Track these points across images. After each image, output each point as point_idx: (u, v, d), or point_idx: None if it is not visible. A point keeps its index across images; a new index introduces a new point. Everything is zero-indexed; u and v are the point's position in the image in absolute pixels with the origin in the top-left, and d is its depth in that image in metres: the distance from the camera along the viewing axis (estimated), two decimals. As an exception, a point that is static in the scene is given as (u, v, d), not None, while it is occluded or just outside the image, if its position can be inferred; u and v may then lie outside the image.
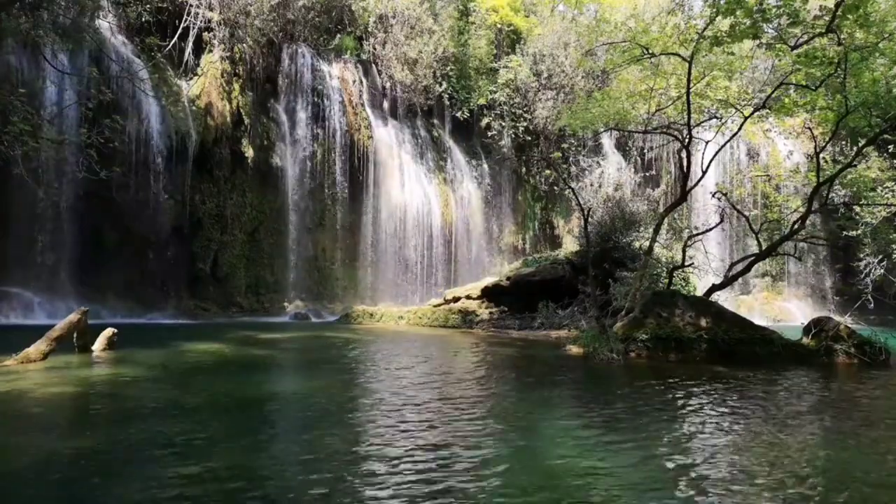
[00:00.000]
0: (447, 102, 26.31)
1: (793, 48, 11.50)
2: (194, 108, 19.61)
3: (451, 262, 25.03)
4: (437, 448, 4.50)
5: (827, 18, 10.66)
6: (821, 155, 13.43)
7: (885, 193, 18.13)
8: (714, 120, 14.54)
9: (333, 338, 13.29)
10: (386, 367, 9.26)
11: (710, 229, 15.04)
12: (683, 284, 16.90)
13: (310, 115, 22.65)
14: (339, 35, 24.63)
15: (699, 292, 14.58)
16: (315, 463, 4.14)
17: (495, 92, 26.63)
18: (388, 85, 25.01)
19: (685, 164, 14.05)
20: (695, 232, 15.86)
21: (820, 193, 12.90)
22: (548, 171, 27.00)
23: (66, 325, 8.62)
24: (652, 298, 11.51)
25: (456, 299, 18.95)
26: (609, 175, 24.49)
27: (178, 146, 18.73)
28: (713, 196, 15.67)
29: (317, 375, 8.36)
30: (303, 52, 22.96)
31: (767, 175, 26.63)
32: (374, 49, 24.67)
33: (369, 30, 24.75)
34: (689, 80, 12.26)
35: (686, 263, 14.13)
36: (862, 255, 22.67)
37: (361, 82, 24.37)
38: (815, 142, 14.94)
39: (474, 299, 18.58)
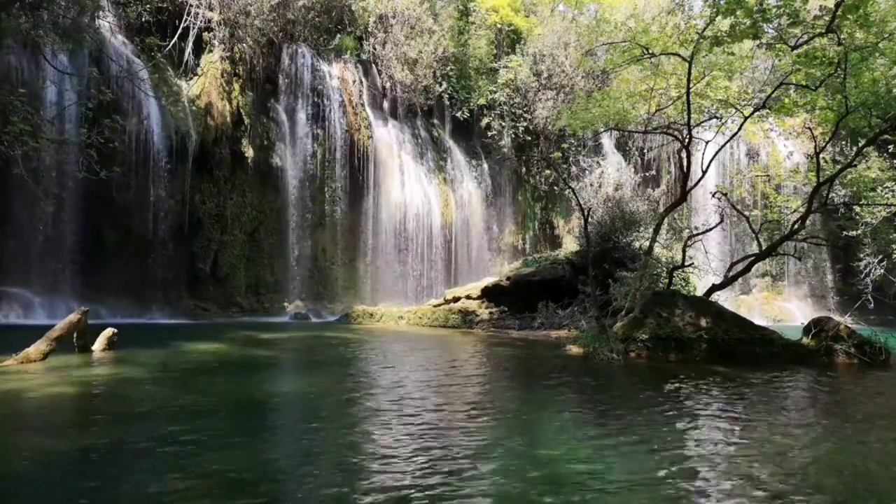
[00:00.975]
0: (447, 102, 26.31)
1: (793, 48, 11.50)
2: (194, 108, 19.61)
3: (451, 262, 25.03)
4: (437, 448, 4.50)
5: (827, 18, 10.66)
6: (821, 155, 13.43)
7: (885, 193, 18.13)
8: (714, 120, 14.53)
9: (333, 338, 13.29)
10: (386, 367, 9.26)
11: (710, 229, 15.02)
12: (683, 284, 16.91)
13: (310, 115, 22.65)
14: (339, 35, 24.62)
15: (699, 292, 14.57)
16: (315, 463, 4.14)
17: (495, 92, 26.63)
18: (388, 85, 25.01)
19: (685, 164, 14.04)
20: (695, 232, 15.85)
21: (820, 193, 12.90)
22: (548, 171, 27.00)
23: (66, 325, 8.62)
24: (652, 298, 11.50)
25: (456, 299, 18.95)
26: (609, 175, 24.43)
27: (178, 146, 18.73)
28: (713, 196, 15.68)
29: (317, 375, 8.36)
30: (303, 52, 22.95)
31: (767, 175, 26.64)
32: (374, 49, 24.67)
33: (369, 30, 24.75)
34: (689, 80, 12.26)
35: (686, 263, 14.13)
36: (862, 255, 22.67)
37: (361, 82, 24.37)
38: (815, 142, 14.94)
39: (474, 299, 18.58)
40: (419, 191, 24.55)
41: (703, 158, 13.72)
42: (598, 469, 4.12)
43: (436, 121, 26.91)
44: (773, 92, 12.97)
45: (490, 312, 17.64)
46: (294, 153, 22.25)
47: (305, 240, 22.24)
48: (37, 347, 8.09)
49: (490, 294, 18.49)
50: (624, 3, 25.18)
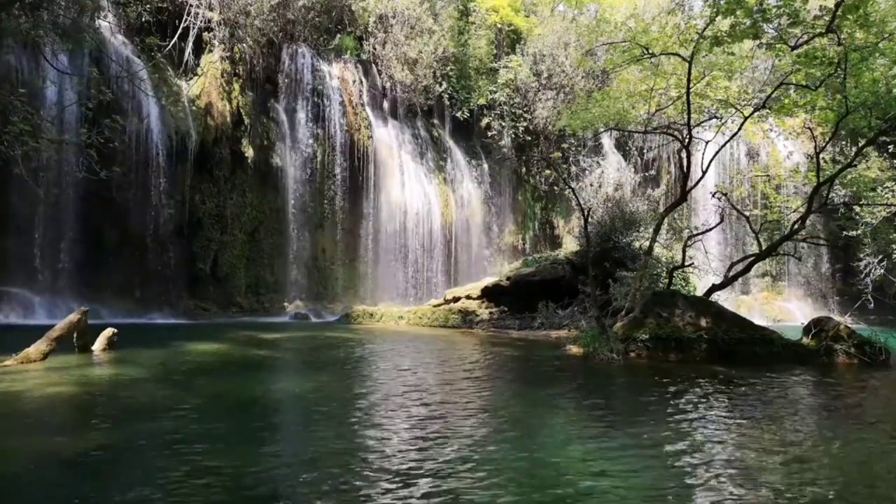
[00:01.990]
0: (447, 102, 26.30)
1: (793, 48, 11.50)
2: (194, 108, 19.61)
3: (451, 262, 25.02)
4: (437, 448, 4.50)
5: (827, 18, 10.66)
6: (821, 155, 13.43)
7: (885, 193, 18.13)
8: (714, 120, 14.53)
9: (333, 338, 13.29)
10: (386, 367, 9.26)
11: (710, 229, 15.03)
12: (683, 284, 16.91)
13: (310, 115, 22.65)
14: (339, 35, 24.62)
15: (699, 292, 14.57)
16: (316, 462, 4.14)
17: (495, 92, 26.63)
18: (388, 85, 25.01)
19: (685, 164, 14.04)
20: (695, 232, 15.85)
21: (820, 193, 12.89)
22: (548, 171, 27.00)
23: (66, 325, 8.62)
24: (652, 298, 11.50)
25: (456, 299, 18.95)
26: (609, 175, 24.47)
27: (178, 146, 18.73)
28: (713, 196, 15.68)
29: (317, 375, 8.36)
30: (303, 52, 22.95)
31: (767, 175, 26.64)
32: (374, 49, 24.67)
33: (369, 30, 24.74)
34: (689, 80, 12.26)
35: (686, 263, 14.13)
36: (862, 255, 22.67)
37: (361, 82, 24.37)
38: (815, 142, 14.93)
39: (474, 299, 18.58)
40: (419, 191, 24.55)
41: (703, 158, 13.72)
42: (598, 470, 4.11)
43: (436, 121, 26.91)
44: (773, 92, 12.97)
45: (490, 312, 17.64)
46: (294, 153, 22.25)
47: (305, 240, 22.24)
48: (37, 347, 8.09)
49: (490, 294, 18.49)
50: (624, 3, 25.17)
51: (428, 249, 24.30)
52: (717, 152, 14.34)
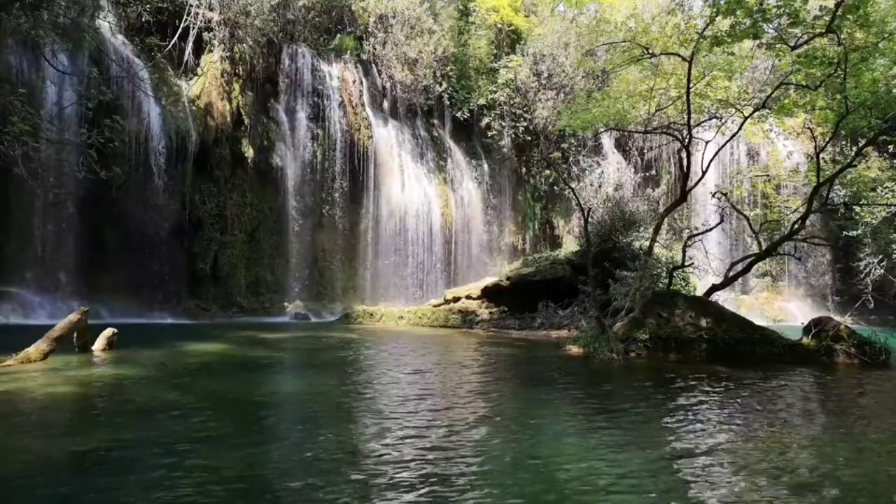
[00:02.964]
0: (447, 102, 26.30)
1: (793, 48, 11.50)
2: (194, 108, 19.61)
3: (451, 262, 25.03)
4: (437, 447, 4.50)
5: (827, 18, 10.65)
6: (821, 155, 13.43)
7: (885, 193, 18.14)
8: (714, 120, 14.54)
9: (333, 338, 13.29)
10: (386, 367, 9.26)
11: (710, 229, 15.02)
12: (683, 284, 16.89)
13: (310, 115, 22.66)
14: (339, 35, 24.63)
15: (699, 292, 14.57)
16: (316, 463, 4.14)
17: (495, 92, 26.63)
18: (388, 85, 25.01)
19: (685, 164, 14.04)
20: (695, 232, 15.85)
21: (820, 193, 12.90)
22: (548, 171, 26.99)
23: (66, 325, 8.62)
24: (652, 298, 11.51)
25: (456, 299, 18.96)
26: (609, 175, 24.45)
27: (178, 146, 18.73)
28: (713, 196, 15.67)
29: (317, 376, 8.35)
30: (303, 52, 22.96)
31: (767, 175, 26.65)
32: (374, 49, 24.67)
33: (369, 30, 24.74)
34: (689, 80, 12.26)
35: (686, 263, 14.12)
36: (862, 255, 22.68)
37: (361, 82, 24.37)
38: (815, 142, 14.94)
39: (474, 299, 18.59)
40: (419, 191, 24.56)
41: (703, 158, 13.72)
42: (598, 470, 4.11)
43: (436, 121, 26.91)
44: (773, 92, 12.97)
45: (490, 312, 17.64)
46: (294, 153, 22.25)
47: (305, 240, 22.25)
48: (37, 347, 8.09)
49: (490, 294, 18.49)
50: (624, 3, 25.16)
51: (428, 249, 24.30)
52: (717, 152, 14.34)
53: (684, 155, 13.79)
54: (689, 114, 12.77)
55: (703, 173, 13.88)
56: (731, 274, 13.26)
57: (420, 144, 25.66)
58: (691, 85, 12.42)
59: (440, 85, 25.53)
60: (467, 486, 3.68)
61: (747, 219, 14.80)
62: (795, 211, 17.34)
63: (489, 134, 26.96)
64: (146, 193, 18.06)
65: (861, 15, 10.40)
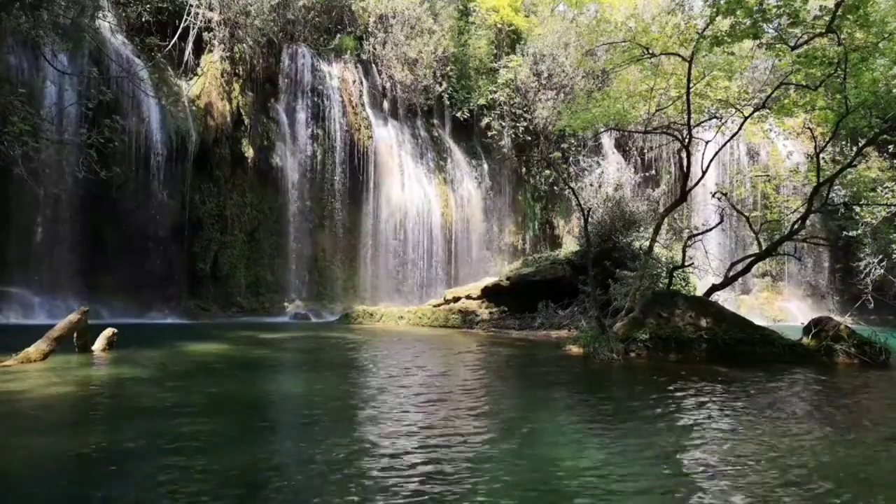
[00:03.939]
0: (447, 102, 26.30)
1: (793, 48, 11.50)
2: (194, 108, 19.61)
3: (451, 262, 25.02)
4: (437, 447, 4.50)
5: (827, 18, 10.65)
6: (821, 155, 13.42)
7: (885, 193, 18.14)
8: (714, 120, 14.53)
9: (333, 338, 13.29)
10: (386, 367, 9.26)
11: (710, 229, 15.02)
12: (683, 284, 16.89)
13: (310, 115, 22.66)
14: (339, 35, 24.63)
15: (699, 292, 14.57)
16: (316, 462, 4.14)
17: (495, 92, 26.62)
18: (388, 85, 25.01)
19: (685, 164, 14.04)
20: (695, 232, 15.85)
21: (820, 193, 12.89)
22: (548, 171, 26.98)
23: (66, 325, 8.62)
24: (652, 298, 11.50)
25: (456, 299, 18.96)
26: (609, 175, 24.44)
27: (178, 146, 18.73)
28: (713, 196, 15.67)
29: (317, 376, 8.36)
30: (303, 52, 22.96)
31: (767, 175, 26.64)
32: (374, 49, 24.67)
33: (369, 30, 24.74)
34: (689, 80, 12.26)
35: (686, 263, 14.12)
36: (862, 255, 22.68)
37: (361, 82, 24.37)
38: (815, 142, 14.94)
39: (474, 299, 18.59)
40: (419, 191, 24.56)
41: (703, 158, 13.72)
42: (598, 471, 4.11)
43: (436, 121, 26.91)
44: (773, 92, 12.97)
45: (490, 312, 17.64)
46: (294, 153, 22.25)
47: (305, 240, 22.24)
48: (37, 347, 8.09)
49: (490, 294, 18.49)
50: (624, 3, 25.16)
51: (428, 249, 24.30)
52: (717, 152, 14.33)
53: (684, 155, 13.79)
54: (689, 114, 12.76)
55: (703, 173, 13.88)
56: (731, 274, 13.26)
57: (420, 144, 25.66)
58: (691, 85, 12.42)
59: (440, 85, 25.53)
60: (467, 486, 3.68)
61: (747, 219, 14.79)
62: (795, 211, 17.33)
63: (489, 134, 26.96)
64: (146, 193, 18.07)
65: (861, 15, 10.39)
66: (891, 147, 19.98)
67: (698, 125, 13.93)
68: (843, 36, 10.82)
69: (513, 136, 26.94)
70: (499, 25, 27.67)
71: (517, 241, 27.90)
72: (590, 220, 14.13)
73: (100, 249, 17.48)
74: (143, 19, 19.15)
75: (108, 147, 13.55)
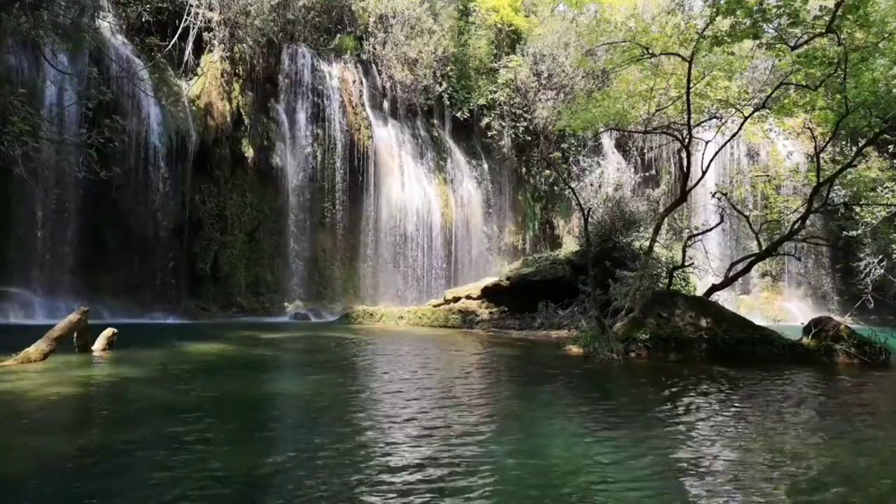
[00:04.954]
0: (447, 102, 26.30)
1: (793, 48, 11.50)
2: (194, 108, 19.61)
3: (451, 262, 25.02)
4: (437, 447, 4.50)
5: (827, 18, 10.65)
6: (821, 155, 13.42)
7: (885, 193, 18.13)
8: (714, 120, 14.53)
9: (334, 338, 13.29)
10: (386, 367, 9.26)
11: (710, 229, 15.02)
12: (683, 284, 16.89)
13: (310, 115, 22.65)
14: (339, 35, 24.63)
15: (699, 292, 14.57)
16: (317, 463, 4.14)
17: (495, 92, 26.63)
18: (388, 85, 25.01)
19: (685, 164, 14.04)
20: (695, 232, 15.84)
21: (820, 193, 12.90)
22: (548, 171, 26.99)
23: (66, 325, 8.62)
24: (652, 298, 11.51)
25: (456, 299, 18.95)
26: (609, 175, 24.44)
27: (178, 146, 18.72)
28: (713, 196, 15.67)
29: (317, 376, 8.35)
30: (303, 52, 22.95)
31: (767, 175, 26.64)
32: (374, 49, 24.67)
33: (369, 30, 24.74)
34: (689, 80, 12.25)
35: (686, 263, 14.13)
36: (862, 255, 22.67)
37: (361, 82, 24.37)
38: (815, 142, 14.94)
39: (474, 299, 18.59)
40: (419, 191, 24.55)
41: (703, 158, 13.72)
42: (598, 471, 4.11)
43: (436, 121, 26.91)
44: (773, 92, 12.96)
45: (490, 312, 17.64)
46: (294, 153, 22.25)
47: (305, 240, 22.24)
48: (37, 347, 8.09)
49: (490, 294, 18.49)
50: (624, 3, 25.16)
51: (428, 249, 24.30)
52: (717, 152, 14.33)
53: (684, 155, 13.79)
54: (689, 114, 12.76)
55: (703, 173, 13.87)
56: (731, 274, 13.26)
57: (420, 144, 25.66)
58: (691, 85, 12.42)
59: (440, 85, 25.53)
60: (467, 486, 3.68)
61: (747, 219, 14.79)
62: (795, 211, 17.32)
63: (489, 134, 26.96)
64: (146, 193, 18.07)
65: (861, 15, 10.39)
66: (891, 147, 19.97)
67: (698, 125, 13.93)
68: (843, 36, 10.82)
69: (513, 136, 26.95)
70: (499, 25, 27.68)
71: (517, 241, 27.90)
72: (590, 220, 14.13)
73: (100, 249, 17.49)
74: (143, 19, 19.15)
75: (108, 147, 13.56)
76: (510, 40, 28.10)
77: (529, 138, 27.30)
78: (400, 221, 23.88)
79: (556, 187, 26.65)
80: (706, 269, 15.62)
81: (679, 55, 12.89)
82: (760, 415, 5.98)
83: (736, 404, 6.51)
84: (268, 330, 14.76)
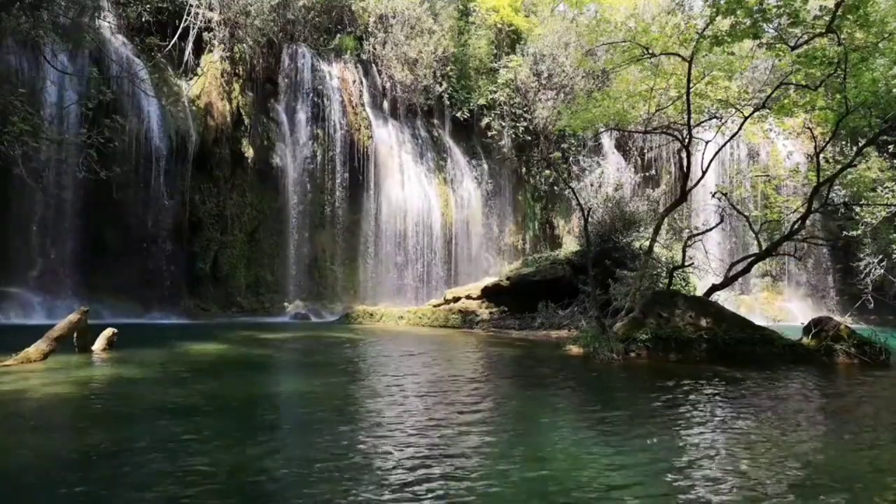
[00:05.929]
0: (447, 102, 26.30)
1: (793, 48, 11.50)
2: (194, 108, 19.61)
3: (451, 262, 25.03)
4: (437, 447, 4.50)
5: (827, 18, 10.65)
6: (821, 155, 13.43)
7: (885, 193, 18.14)
8: (714, 120, 14.53)
9: (334, 338, 13.29)
10: (386, 367, 9.26)
11: (710, 229, 15.02)
12: (683, 284, 16.90)
13: (310, 115, 22.65)
14: (339, 35, 24.63)
15: (699, 292, 14.57)
16: (316, 462, 4.14)
17: (495, 92, 26.63)
18: (388, 85, 25.01)
19: (685, 164, 14.04)
20: (695, 232, 15.85)
21: (820, 193, 12.90)
22: (548, 171, 27.00)
23: (66, 325, 8.62)
24: (652, 298, 11.51)
25: (456, 299, 18.95)
26: (609, 175, 24.47)
27: (178, 146, 18.73)
28: (713, 196, 15.68)
29: (317, 376, 8.35)
30: (303, 52, 22.96)
31: (767, 175, 26.63)
32: (374, 49, 24.67)
33: (369, 30, 24.75)
34: (689, 80, 12.25)
35: (686, 263, 14.13)
36: (862, 255, 22.68)
37: (361, 82, 24.38)
38: (815, 142, 14.94)
39: (474, 299, 18.59)
40: (419, 191, 24.56)
41: (703, 158, 13.72)
42: (597, 471, 4.11)
43: (436, 121, 26.91)
44: (773, 92, 12.97)
45: (490, 312, 17.64)
46: (294, 153, 22.25)
47: (305, 240, 22.25)
48: (37, 347, 8.09)
49: (490, 294, 18.49)
50: (624, 3, 25.17)
51: (428, 249, 24.30)
52: (717, 152, 14.33)
53: (684, 155, 13.79)
54: (689, 114, 12.76)
55: (703, 173, 13.88)
56: (731, 274, 13.26)
57: (420, 144, 25.66)
58: (691, 85, 12.42)
59: (440, 85, 25.53)
60: (467, 486, 3.68)
61: (747, 219, 14.80)
62: (795, 211, 17.32)
63: (489, 134, 26.96)
64: (146, 193, 18.07)
65: (861, 15, 10.39)
66: (891, 147, 19.99)
67: (698, 125, 13.93)
68: (843, 36, 10.82)
69: (513, 136, 26.94)
70: (499, 25, 27.68)
71: (517, 241, 27.90)
72: (590, 220, 14.13)
73: (100, 249, 17.49)
74: (143, 19, 19.15)
75: (108, 147, 13.58)
76: (510, 40, 28.11)
77: (529, 138, 27.30)
78: (400, 221, 23.88)
79: (556, 187, 26.67)
80: (706, 269, 15.62)
81: (679, 55, 12.90)
82: (761, 415, 5.98)
83: (736, 404, 6.51)
84: (268, 330, 14.76)
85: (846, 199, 17.60)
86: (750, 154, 28.84)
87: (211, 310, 19.34)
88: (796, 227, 13.17)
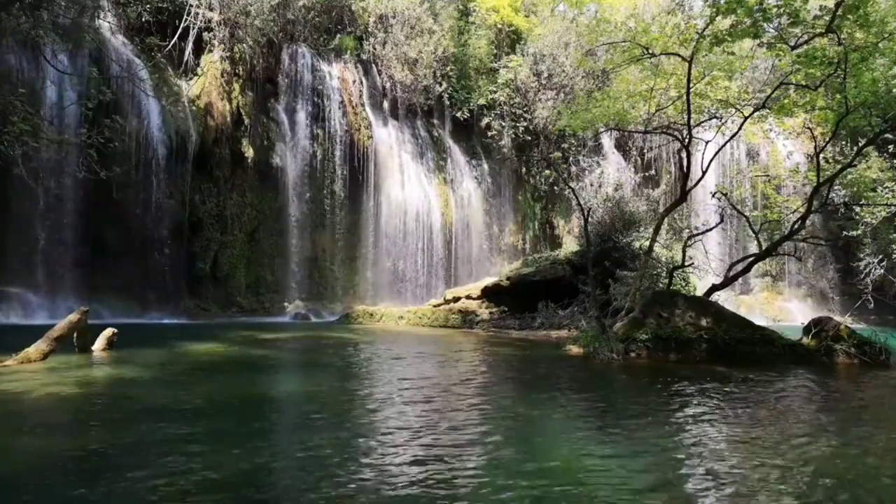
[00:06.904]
0: (447, 102, 26.30)
1: (793, 48, 11.49)
2: (194, 108, 19.61)
3: (451, 262, 25.02)
4: (437, 447, 4.50)
5: (827, 18, 10.65)
6: (821, 155, 13.42)
7: (885, 193, 18.13)
8: (714, 120, 14.53)
9: (334, 338, 13.29)
10: (386, 367, 9.26)
11: (710, 229, 15.02)
12: (683, 284, 16.90)
13: (310, 115, 22.66)
14: (339, 35, 24.63)
15: (699, 292, 14.56)
16: (316, 462, 4.14)
17: (495, 92, 26.62)
18: (388, 85, 25.01)
19: (685, 164, 14.04)
20: (695, 232, 15.85)
21: (820, 193, 12.89)
22: (548, 171, 26.99)
23: (66, 325, 8.62)
24: (652, 298, 11.50)
25: (456, 299, 18.96)
26: (609, 175, 24.47)
27: (178, 146, 18.73)
28: (713, 196, 15.68)
29: (317, 376, 8.35)
30: (303, 52, 22.96)
31: (767, 175, 26.63)
32: (374, 49, 24.67)
33: (369, 30, 24.75)
34: (689, 80, 12.25)
35: (686, 263, 14.12)
36: (862, 255, 22.68)
37: (361, 82, 24.38)
38: (815, 142, 14.95)
39: (474, 299, 18.59)
40: (419, 191, 24.56)
41: (703, 158, 13.71)
42: (597, 470, 4.11)
43: (436, 121, 26.91)
44: (773, 92, 12.96)
45: (490, 312, 17.64)
46: (294, 153, 22.25)
47: (305, 240, 22.25)
48: (37, 347, 8.09)
49: (490, 294, 18.49)
50: (624, 3, 25.18)
51: (428, 249, 24.30)
52: (717, 152, 14.33)
53: (684, 155, 13.79)
54: (689, 114, 12.76)
55: (703, 173, 13.87)
56: (731, 274, 13.26)
57: (420, 144, 25.65)
58: (691, 85, 12.41)
59: (440, 85, 25.53)
60: (467, 486, 3.68)
61: (747, 219, 14.80)
62: (795, 211, 17.32)
63: (489, 134, 26.96)
64: (146, 193, 18.07)
65: (861, 15, 10.39)
66: (891, 147, 19.99)
67: (698, 125, 13.93)
68: (843, 36, 10.81)
69: (513, 136, 26.94)
70: (499, 25, 27.68)
71: (517, 241, 27.89)
72: (590, 220, 14.13)
73: (100, 249, 17.49)
74: (143, 19, 19.15)
75: (108, 147, 13.58)
76: (510, 40, 28.10)
77: (529, 138, 27.30)
78: (400, 221, 23.88)
79: (556, 187, 26.66)
80: (706, 269, 15.62)
81: (679, 55, 12.90)
82: (760, 415, 5.98)
83: (736, 404, 6.51)
84: (268, 330, 14.76)
85: (846, 199, 17.59)
86: (750, 154, 28.84)
87: (211, 310, 19.34)
88: (796, 227, 13.17)
